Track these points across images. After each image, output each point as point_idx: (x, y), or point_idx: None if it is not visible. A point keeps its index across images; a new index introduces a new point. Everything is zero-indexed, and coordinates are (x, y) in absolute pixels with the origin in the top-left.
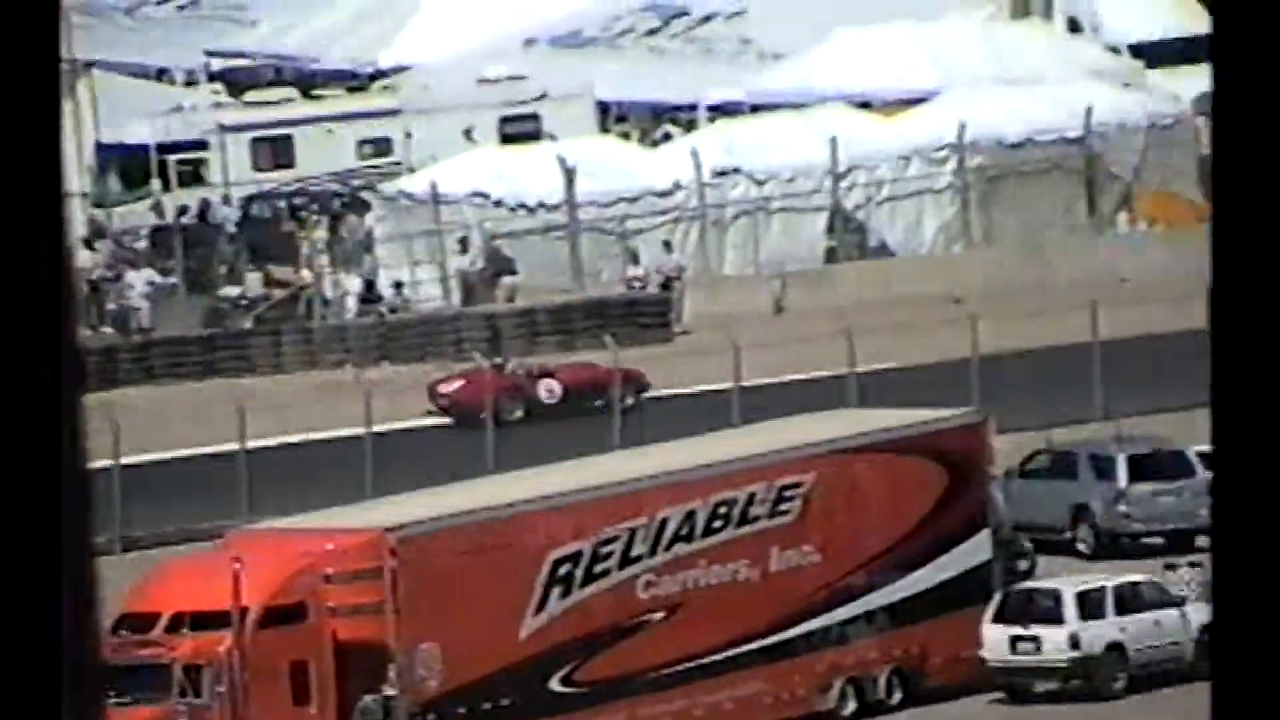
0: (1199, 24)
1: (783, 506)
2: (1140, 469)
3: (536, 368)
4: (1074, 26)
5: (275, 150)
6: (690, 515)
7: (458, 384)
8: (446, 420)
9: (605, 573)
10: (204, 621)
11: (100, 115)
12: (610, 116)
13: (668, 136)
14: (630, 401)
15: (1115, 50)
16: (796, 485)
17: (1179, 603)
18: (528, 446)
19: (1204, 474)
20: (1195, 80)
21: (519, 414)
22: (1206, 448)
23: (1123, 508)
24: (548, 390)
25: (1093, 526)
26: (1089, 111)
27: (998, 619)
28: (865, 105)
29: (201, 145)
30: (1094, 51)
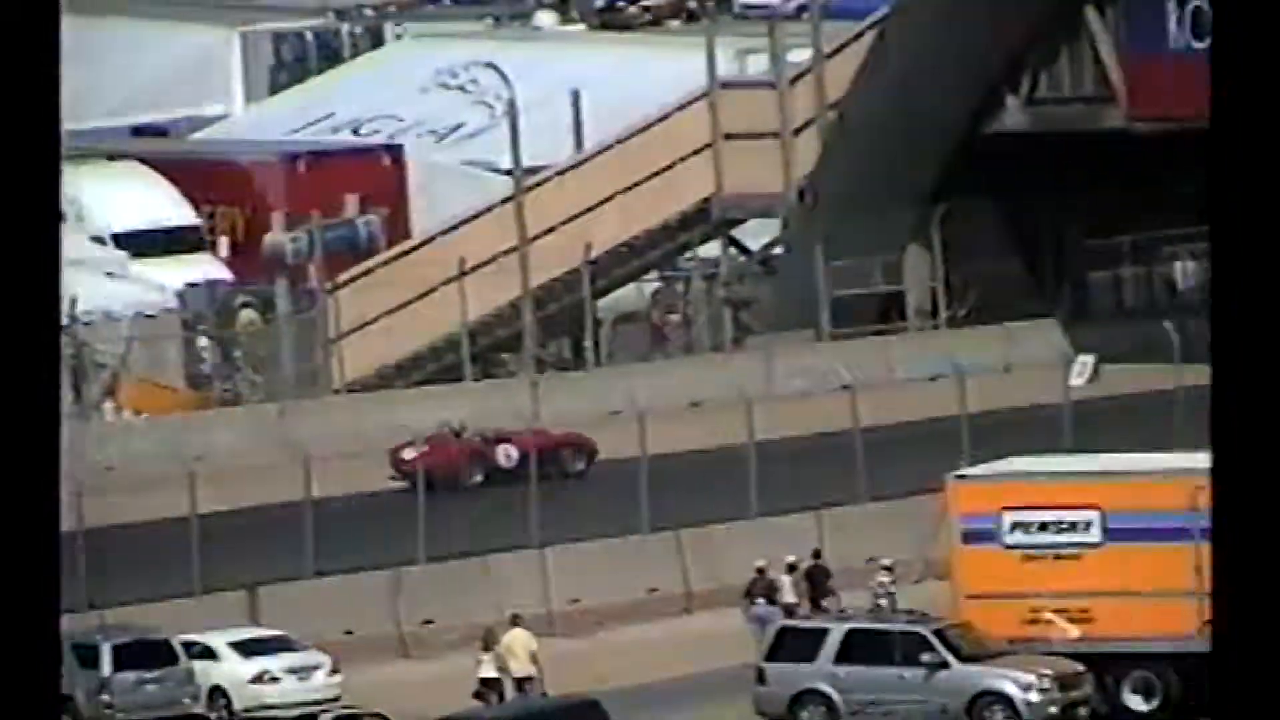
0: (183, 216)
1: None
2: (124, 658)
3: (493, 433)
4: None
5: None
6: None
7: (420, 450)
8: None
9: None
10: None
11: None
12: None
13: None
14: (581, 467)
15: (100, 240)
16: None
17: None
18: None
19: (187, 662)
20: (180, 271)
21: (479, 478)
22: (193, 636)
23: (106, 697)
24: (506, 455)
25: (75, 717)
26: (74, 300)
27: None
28: None
29: None
30: (79, 240)
